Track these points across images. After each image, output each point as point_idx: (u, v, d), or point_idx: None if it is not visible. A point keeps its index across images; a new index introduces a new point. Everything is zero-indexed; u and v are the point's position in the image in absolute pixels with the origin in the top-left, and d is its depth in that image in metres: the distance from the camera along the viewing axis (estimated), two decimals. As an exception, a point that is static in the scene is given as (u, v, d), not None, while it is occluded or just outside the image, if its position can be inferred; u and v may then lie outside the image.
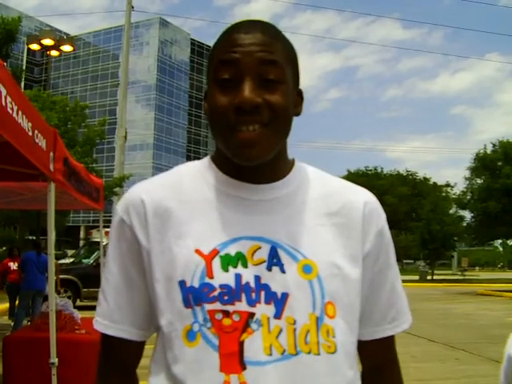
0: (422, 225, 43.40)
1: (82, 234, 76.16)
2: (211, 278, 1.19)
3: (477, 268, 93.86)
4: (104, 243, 13.61)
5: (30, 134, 3.79)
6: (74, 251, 27.14)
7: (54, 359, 4.56)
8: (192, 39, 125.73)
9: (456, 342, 11.86)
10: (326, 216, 1.29)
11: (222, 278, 1.19)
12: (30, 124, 3.74)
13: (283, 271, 1.21)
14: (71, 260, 21.26)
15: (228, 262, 1.20)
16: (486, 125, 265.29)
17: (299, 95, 1.33)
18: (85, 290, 17.57)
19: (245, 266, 1.21)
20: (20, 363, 5.32)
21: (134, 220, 1.27)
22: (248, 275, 1.20)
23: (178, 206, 1.26)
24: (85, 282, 17.32)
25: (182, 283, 1.20)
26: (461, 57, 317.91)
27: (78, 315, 6.23)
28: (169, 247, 1.23)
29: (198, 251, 1.21)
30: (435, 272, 50.31)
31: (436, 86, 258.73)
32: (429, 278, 44.73)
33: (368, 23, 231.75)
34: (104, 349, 1.37)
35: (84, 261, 19.44)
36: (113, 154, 59.78)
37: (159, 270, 1.23)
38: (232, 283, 1.19)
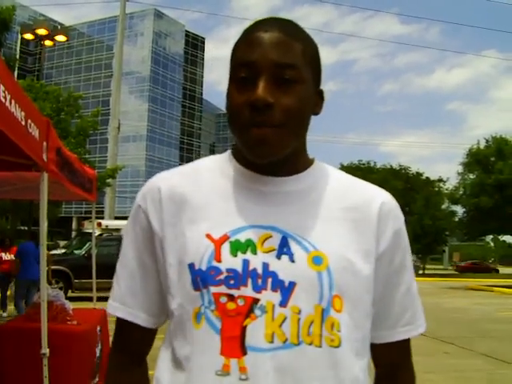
0: (415, 219, 43.52)
1: (74, 225, 75.92)
2: (219, 261, 1.21)
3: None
4: (96, 234, 13.59)
5: (23, 123, 3.77)
6: (66, 242, 27.07)
7: (46, 350, 4.54)
8: (187, 31, 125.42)
9: (446, 336, 11.90)
10: (341, 210, 1.30)
11: (230, 262, 1.20)
12: (23, 113, 3.71)
13: (292, 260, 1.21)
14: (63, 251, 21.22)
15: (237, 247, 1.22)
16: (480, 120, 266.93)
17: (319, 95, 1.34)
18: (76, 280, 17.56)
19: (254, 252, 1.22)
20: (11, 353, 5.31)
21: (149, 206, 1.31)
22: (256, 262, 1.21)
23: (193, 194, 1.30)
24: (76, 272, 17.31)
25: (191, 266, 1.23)
26: (458, 53, 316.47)
27: (70, 306, 6.21)
28: (182, 232, 1.26)
29: (208, 235, 1.23)
30: (426, 266, 50.55)
31: (432, 82, 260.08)
32: (420, 272, 44.86)
33: (366, 18, 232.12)
34: (116, 335, 1.41)
35: (76, 252, 19.44)
36: (106, 145, 59.59)
37: (172, 255, 1.26)
38: (239, 268, 1.20)
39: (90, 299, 8.65)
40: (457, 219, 44.21)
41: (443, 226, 46.37)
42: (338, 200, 1.31)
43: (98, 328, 6.41)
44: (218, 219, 1.25)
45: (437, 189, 49.56)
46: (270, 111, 1.19)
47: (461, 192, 39.21)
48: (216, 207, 1.27)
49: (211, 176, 1.33)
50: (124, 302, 1.35)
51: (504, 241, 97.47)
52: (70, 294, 16.80)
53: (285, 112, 1.20)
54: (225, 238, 1.23)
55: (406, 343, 1.40)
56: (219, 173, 1.33)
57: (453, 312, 17.49)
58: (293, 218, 1.26)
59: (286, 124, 1.21)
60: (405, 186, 47.35)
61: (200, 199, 1.29)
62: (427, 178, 52.19)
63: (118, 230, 22.53)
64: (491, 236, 65.41)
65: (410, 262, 1.38)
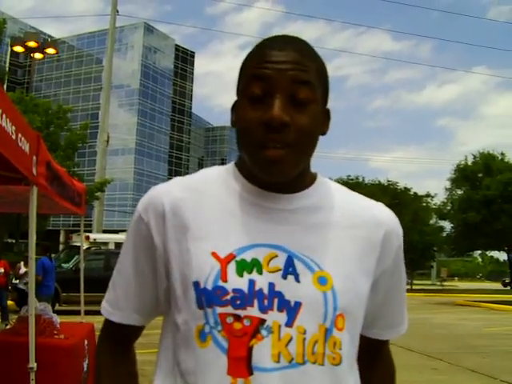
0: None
1: (61, 238, 75.41)
2: (225, 281, 1.20)
3: (456, 278, 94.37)
4: (84, 247, 13.54)
5: (14, 137, 3.77)
6: (53, 255, 26.89)
7: (33, 364, 4.52)
8: (176, 45, 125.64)
9: (434, 351, 11.90)
10: (346, 229, 1.30)
11: (236, 282, 1.20)
12: (13, 127, 3.72)
13: (298, 281, 1.22)
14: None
15: (243, 267, 1.21)
16: (469, 136, 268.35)
17: (327, 114, 1.34)
18: (64, 294, 17.41)
19: (260, 272, 1.21)
20: (-2, 367, 5.27)
21: (151, 219, 1.29)
22: (262, 282, 1.21)
23: (198, 209, 1.27)
24: (64, 286, 17.16)
25: (196, 284, 1.22)
26: (448, 69, 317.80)
27: (57, 320, 6.17)
28: (186, 248, 1.25)
29: (214, 254, 1.22)
30: (414, 282, 50.52)
31: (422, 98, 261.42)
32: (408, 287, 44.83)
33: (358, 34, 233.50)
34: (105, 328, 1.42)
35: (64, 265, 19.31)
36: (94, 158, 59.34)
37: (177, 270, 1.25)
38: (245, 288, 1.19)
39: (77, 313, 8.61)
40: (445, 235, 44.32)
41: (431, 241, 46.45)
42: (344, 219, 1.32)
43: (86, 342, 6.38)
44: (223, 237, 1.24)
45: (425, 204, 49.68)
46: (285, 130, 1.19)
47: (448, 207, 39.38)
48: (222, 224, 1.26)
49: (216, 190, 1.31)
50: (118, 306, 1.36)
51: (492, 256, 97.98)
52: (57, 307, 16.67)
53: (299, 132, 1.20)
54: (231, 257, 1.22)
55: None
56: (225, 187, 1.31)
57: (440, 328, 17.51)
58: (298, 237, 1.26)
59: (299, 144, 1.21)
60: (392, 201, 47.40)
61: (205, 215, 1.27)
62: (415, 193, 52.31)
63: (106, 243, 22.46)
64: (479, 251, 65.71)
65: (404, 272, 1.44)
